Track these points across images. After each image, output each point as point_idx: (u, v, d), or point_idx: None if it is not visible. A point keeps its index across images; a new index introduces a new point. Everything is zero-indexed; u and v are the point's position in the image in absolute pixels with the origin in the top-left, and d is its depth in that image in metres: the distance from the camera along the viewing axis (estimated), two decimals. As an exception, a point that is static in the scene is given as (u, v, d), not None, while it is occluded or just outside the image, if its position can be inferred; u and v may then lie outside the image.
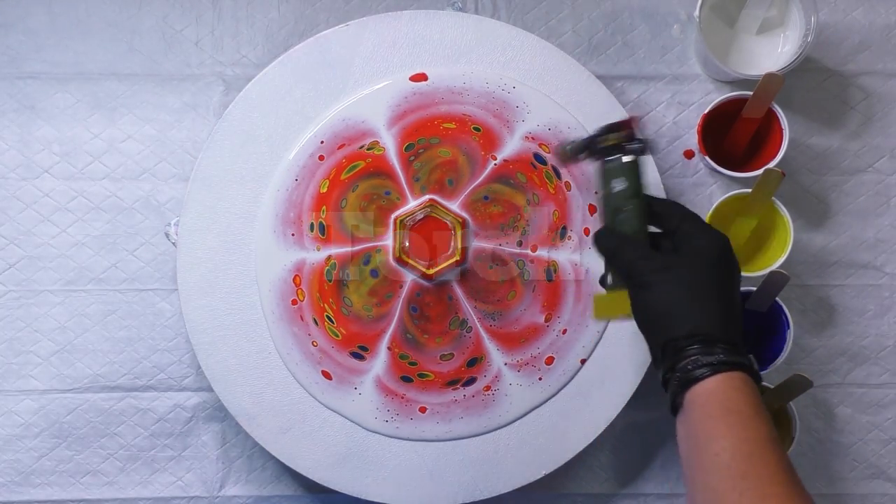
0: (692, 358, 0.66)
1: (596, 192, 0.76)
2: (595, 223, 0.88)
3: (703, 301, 0.68)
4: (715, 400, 0.66)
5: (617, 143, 0.73)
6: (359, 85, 0.89)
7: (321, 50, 0.89)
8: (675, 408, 0.68)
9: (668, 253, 0.72)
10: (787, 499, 0.61)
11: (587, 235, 0.88)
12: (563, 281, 0.88)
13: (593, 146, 0.73)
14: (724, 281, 0.70)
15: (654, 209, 0.73)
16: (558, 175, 0.88)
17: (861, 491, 0.94)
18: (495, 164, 0.88)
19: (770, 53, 0.93)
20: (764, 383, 0.88)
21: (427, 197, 0.86)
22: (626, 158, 0.72)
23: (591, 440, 0.88)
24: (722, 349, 0.66)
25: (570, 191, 0.88)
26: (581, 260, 0.88)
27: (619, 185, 0.73)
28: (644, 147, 0.73)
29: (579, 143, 0.74)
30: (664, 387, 0.68)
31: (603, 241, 0.73)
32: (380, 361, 0.87)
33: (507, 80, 0.89)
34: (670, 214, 0.73)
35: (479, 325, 0.87)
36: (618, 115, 0.89)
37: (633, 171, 0.72)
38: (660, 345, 0.69)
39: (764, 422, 0.65)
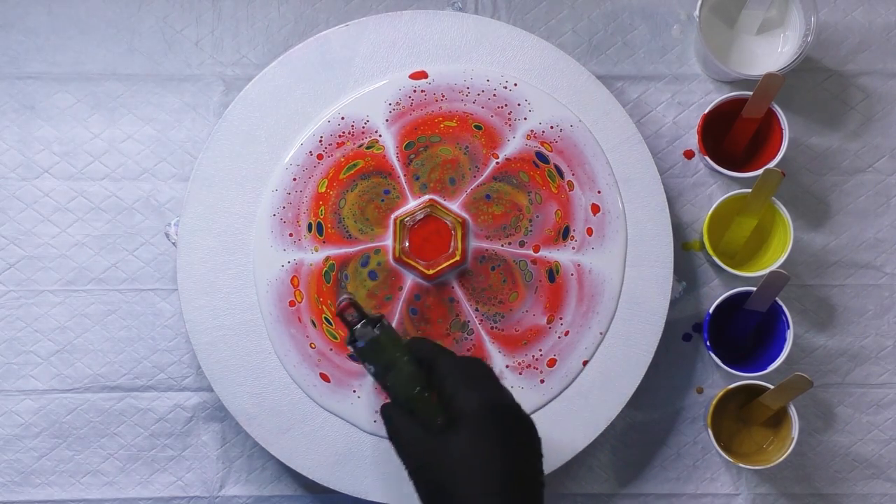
0: None
1: None
2: (597, 222, 0.88)
3: (478, 480, 0.65)
4: None
5: (349, 330, 0.73)
6: (359, 85, 0.88)
7: (321, 50, 0.89)
8: None
9: (441, 424, 0.70)
10: None
11: (590, 235, 0.88)
12: (566, 282, 0.88)
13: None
14: (495, 448, 0.67)
15: (426, 367, 0.73)
16: (560, 174, 0.88)
17: (861, 491, 0.94)
18: (497, 163, 0.88)
19: (770, 53, 0.93)
20: (764, 383, 0.88)
21: (427, 197, 0.86)
22: (355, 346, 0.73)
23: (591, 440, 0.88)
24: None
25: (572, 190, 0.88)
26: (584, 261, 0.88)
27: (370, 368, 0.73)
28: (368, 328, 0.73)
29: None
30: None
31: (385, 421, 0.73)
32: (380, 363, 0.87)
33: (509, 78, 0.88)
34: (436, 374, 0.72)
35: (480, 328, 0.86)
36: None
37: (373, 352, 0.73)
38: None
39: None
